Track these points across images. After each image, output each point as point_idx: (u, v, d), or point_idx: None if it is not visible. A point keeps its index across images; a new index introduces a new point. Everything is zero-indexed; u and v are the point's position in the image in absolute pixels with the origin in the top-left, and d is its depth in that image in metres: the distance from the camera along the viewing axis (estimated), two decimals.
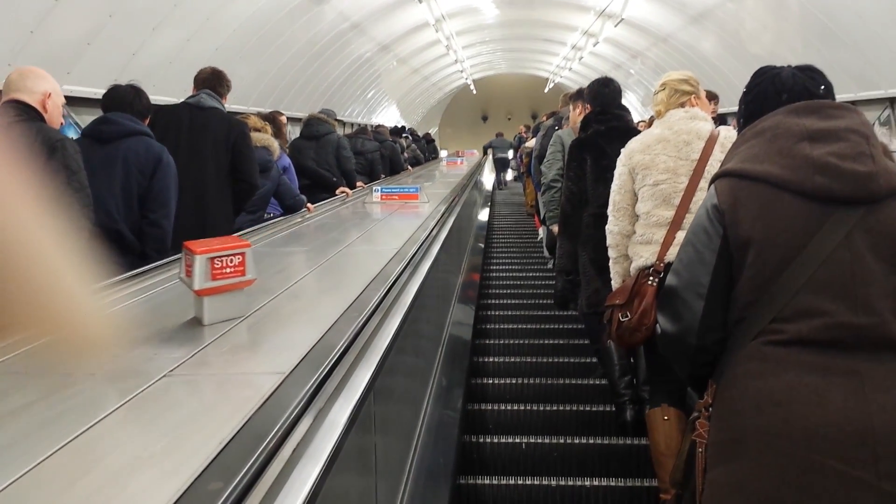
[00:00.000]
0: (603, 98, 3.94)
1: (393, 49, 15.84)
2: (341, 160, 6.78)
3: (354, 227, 4.58)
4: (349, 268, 3.04)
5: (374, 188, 6.03)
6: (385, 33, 14.25)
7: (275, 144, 5.03)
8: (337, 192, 6.34)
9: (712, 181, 1.83)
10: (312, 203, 5.34)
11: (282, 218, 4.66)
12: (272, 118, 5.63)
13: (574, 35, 17.50)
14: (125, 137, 3.54)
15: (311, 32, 10.91)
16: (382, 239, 4.04)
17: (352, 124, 16.49)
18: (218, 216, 4.18)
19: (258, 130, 4.94)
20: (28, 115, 3.03)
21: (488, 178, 17.19)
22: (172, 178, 3.60)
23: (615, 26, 13.99)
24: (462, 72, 24.19)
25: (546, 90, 28.90)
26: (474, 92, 31.11)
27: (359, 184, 7.17)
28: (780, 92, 1.83)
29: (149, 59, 7.01)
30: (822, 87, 1.84)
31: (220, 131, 4.22)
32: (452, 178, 9.18)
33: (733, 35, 11.08)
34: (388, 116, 21.53)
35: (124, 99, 3.63)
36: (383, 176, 9.12)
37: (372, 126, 12.14)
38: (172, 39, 7.31)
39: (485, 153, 21.63)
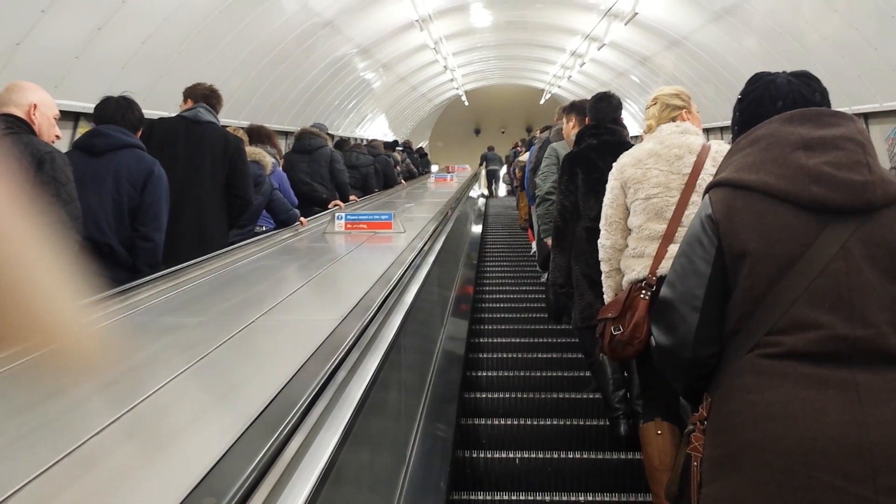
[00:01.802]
0: (597, 112, 3.95)
1: (375, 54, 14.55)
2: (334, 173, 6.80)
3: (292, 276, 3.75)
4: (236, 372, 1.94)
5: (336, 215, 4.94)
6: (364, 35, 12.59)
7: (267, 159, 5.02)
8: (330, 205, 6.36)
9: (706, 190, 1.81)
10: (305, 217, 5.35)
11: (214, 255, 3.67)
12: (263, 131, 5.61)
13: (574, 40, 16.60)
14: (116, 150, 3.52)
15: (271, 28, 9.12)
16: (319, 302, 3.08)
17: (333, 136, 15.63)
18: (214, 230, 4.18)
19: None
20: (18, 127, 3.02)
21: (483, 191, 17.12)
22: (164, 191, 3.58)
23: (625, 24, 12.63)
24: (453, 81, 23.39)
25: (542, 101, 28.70)
26: (466, 104, 30.84)
27: (352, 197, 7.19)
28: (775, 99, 1.81)
29: (42, 51, 5.48)
30: (818, 93, 1.83)
31: (217, 145, 4.23)
32: (440, 198, 8.30)
33: (769, 35, 9.36)
34: (376, 129, 20.91)
35: (116, 111, 3.62)
36: (377, 190, 9.13)
37: (365, 140, 12.10)
38: (76, 28, 5.75)
39: (480, 164, 21.89)
